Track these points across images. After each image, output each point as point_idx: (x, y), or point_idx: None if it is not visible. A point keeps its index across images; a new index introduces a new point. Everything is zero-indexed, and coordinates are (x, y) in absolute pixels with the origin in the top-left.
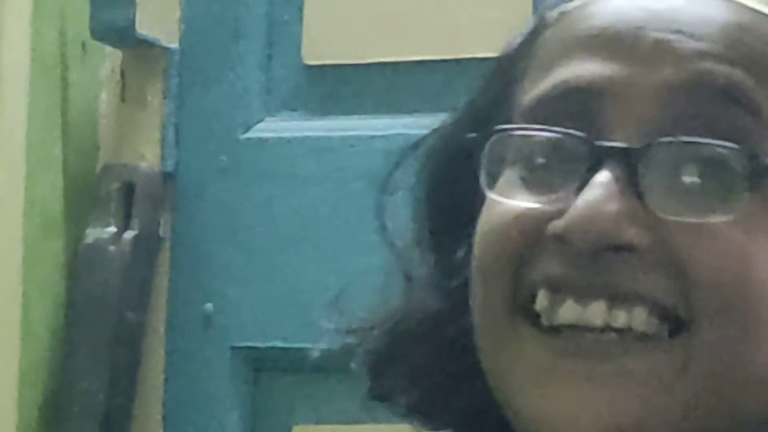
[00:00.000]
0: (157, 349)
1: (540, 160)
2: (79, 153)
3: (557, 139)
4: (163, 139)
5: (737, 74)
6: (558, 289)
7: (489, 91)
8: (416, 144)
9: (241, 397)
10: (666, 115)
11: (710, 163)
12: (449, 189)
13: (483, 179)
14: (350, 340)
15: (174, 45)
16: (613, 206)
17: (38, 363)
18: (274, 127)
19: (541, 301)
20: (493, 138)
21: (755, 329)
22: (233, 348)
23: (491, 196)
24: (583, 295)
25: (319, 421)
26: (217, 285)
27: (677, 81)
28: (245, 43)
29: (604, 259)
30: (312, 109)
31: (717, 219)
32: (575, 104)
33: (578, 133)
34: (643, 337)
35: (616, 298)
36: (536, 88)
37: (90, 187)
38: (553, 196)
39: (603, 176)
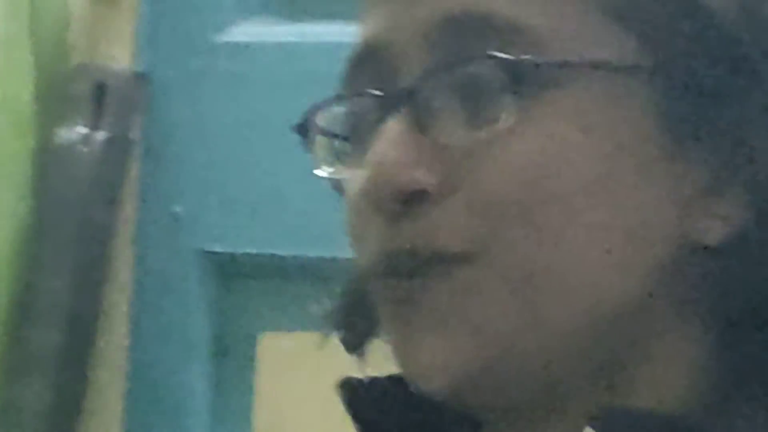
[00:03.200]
0: (125, 252)
1: (354, 127)
2: (50, 52)
3: (357, 103)
4: (135, 40)
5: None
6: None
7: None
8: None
9: (209, 302)
10: (430, 52)
11: (469, 82)
12: None
13: (319, 158)
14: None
15: None
16: (395, 151)
17: (4, 262)
18: (248, 31)
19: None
20: (315, 115)
21: (550, 238)
22: (202, 252)
23: (324, 173)
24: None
25: (287, 329)
26: (187, 188)
27: (433, 16)
28: None
29: (408, 214)
30: (287, 13)
31: (487, 135)
32: (366, 63)
33: (360, 92)
34: (443, 272)
35: (421, 263)
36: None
37: (61, 87)
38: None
39: (387, 125)
